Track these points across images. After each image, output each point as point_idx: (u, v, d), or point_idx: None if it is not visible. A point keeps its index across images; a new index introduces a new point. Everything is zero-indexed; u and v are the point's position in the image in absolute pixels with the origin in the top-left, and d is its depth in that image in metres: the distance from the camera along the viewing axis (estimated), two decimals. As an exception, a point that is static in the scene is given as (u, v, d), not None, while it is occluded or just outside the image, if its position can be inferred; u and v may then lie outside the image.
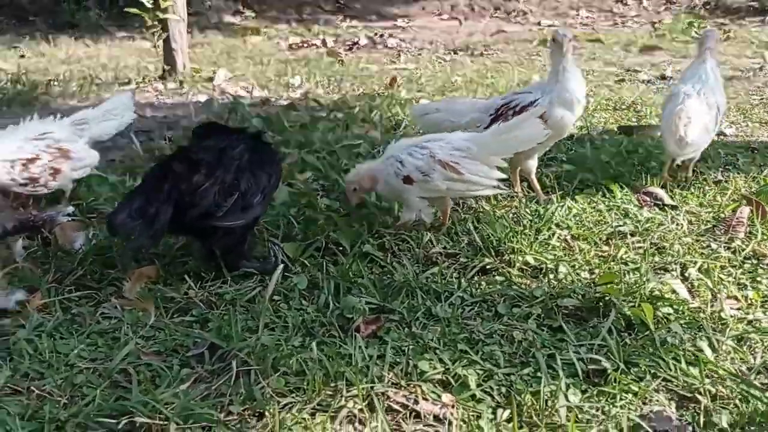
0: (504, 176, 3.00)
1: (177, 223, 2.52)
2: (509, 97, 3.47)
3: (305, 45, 9.24)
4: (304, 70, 7.22)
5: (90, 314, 2.45)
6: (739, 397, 2.00)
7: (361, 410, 1.94)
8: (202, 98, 5.78)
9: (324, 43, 9.33)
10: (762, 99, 5.93)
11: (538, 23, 11.70)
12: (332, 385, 2.03)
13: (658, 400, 2.00)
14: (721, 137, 4.69)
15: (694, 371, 2.09)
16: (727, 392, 2.03)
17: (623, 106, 5.55)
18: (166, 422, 1.85)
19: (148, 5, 6.03)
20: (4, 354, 2.22)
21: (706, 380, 2.06)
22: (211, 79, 6.56)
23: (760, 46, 8.76)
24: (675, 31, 9.76)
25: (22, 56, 8.07)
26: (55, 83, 6.34)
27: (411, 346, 2.21)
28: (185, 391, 2.00)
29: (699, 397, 2.00)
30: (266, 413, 1.91)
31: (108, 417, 1.89)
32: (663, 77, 6.87)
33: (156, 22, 6.19)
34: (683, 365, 2.12)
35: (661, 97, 5.59)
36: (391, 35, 9.95)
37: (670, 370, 2.11)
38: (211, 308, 2.50)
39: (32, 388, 2.04)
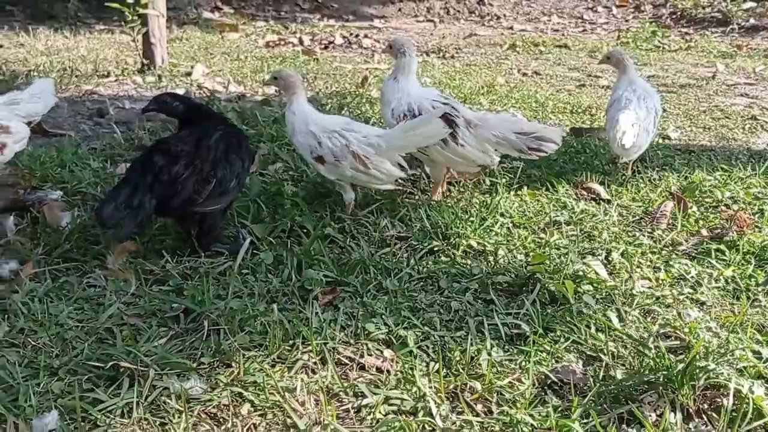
0: (403, 175, 3.33)
1: (160, 210, 2.83)
2: None
3: (282, 43, 9.52)
4: (279, 67, 7.51)
5: (77, 282, 2.74)
6: (634, 355, 2.36)
7: (314, 362, 2.27)
8: (180, 92, 6.04)
9: (300, 41, 9.62)
10: (709, 106, 6.34)
11: (511, 28, 12.12)
12: (290, 342, 2.35)
13: (567, 359, 2.36)
14: (665, 140, 5.09)
15: (601, 336, 2.46)
16: (627, 353, 2.39)
17: (580, 110, 5.94)
18: (146, 368, 2.15)
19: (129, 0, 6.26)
20: (0, 315, 2.50)
21: (611, 343, 2.42)
22: (189, 74, 6.81)
23: (716, 56, 9.23)
24: (639, 39, 10.22)
25: (1, 46, 8.24)
26: (35, 74, 6.55)
27: (361, 312, 2.55)
28: (162, 345, 2.32)
29: (602, 356, 2.36)
30: (233, 363, 2.23)
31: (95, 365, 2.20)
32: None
33: (136, 17, 6.41)
34: (593, 330, 2.49)
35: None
36: (366, 36, 10.26)
37: (581, 334, 2.47)
38: (186, 279, 2.80)
39: (28, 341, 2.34)
